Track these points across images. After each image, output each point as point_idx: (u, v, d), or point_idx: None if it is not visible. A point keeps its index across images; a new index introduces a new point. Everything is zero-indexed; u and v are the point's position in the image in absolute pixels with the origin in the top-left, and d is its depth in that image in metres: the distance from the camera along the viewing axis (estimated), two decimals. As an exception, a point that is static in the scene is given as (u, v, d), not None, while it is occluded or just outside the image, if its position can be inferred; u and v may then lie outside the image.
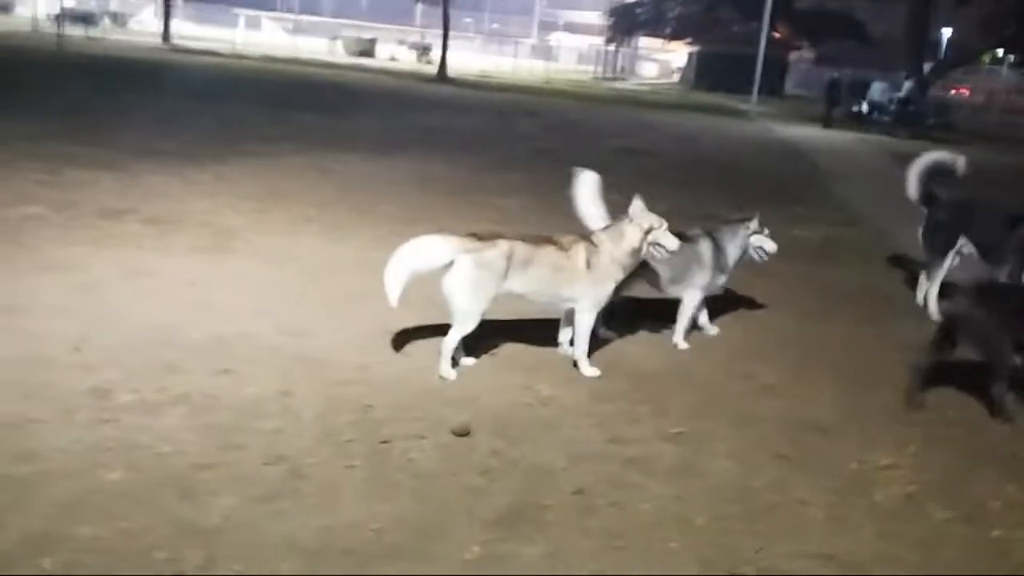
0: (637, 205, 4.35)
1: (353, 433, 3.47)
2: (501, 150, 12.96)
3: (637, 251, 4.36)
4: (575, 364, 4.40)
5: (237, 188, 8.11)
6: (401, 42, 49.47)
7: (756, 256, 5.26)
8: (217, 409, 3.55)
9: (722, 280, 5.20)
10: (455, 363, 4.22)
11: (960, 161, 6.27)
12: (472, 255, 4.02)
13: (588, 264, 4.27)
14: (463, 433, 3.59)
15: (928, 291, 6.14)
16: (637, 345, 4.89)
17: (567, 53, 62.02)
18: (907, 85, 25.51)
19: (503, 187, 9.50)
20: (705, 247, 5.00)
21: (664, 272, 4.86)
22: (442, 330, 4.23)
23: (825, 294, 6.49)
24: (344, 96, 20.12)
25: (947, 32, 47.42)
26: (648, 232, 4.36)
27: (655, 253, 4.44)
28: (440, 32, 33.88)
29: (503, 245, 4.11)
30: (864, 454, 3.81)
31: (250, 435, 3.37)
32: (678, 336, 5.01)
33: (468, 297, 4.05)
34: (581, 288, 4.30)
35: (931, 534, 3.22)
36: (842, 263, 7.58)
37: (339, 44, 46.99)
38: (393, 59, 45.04)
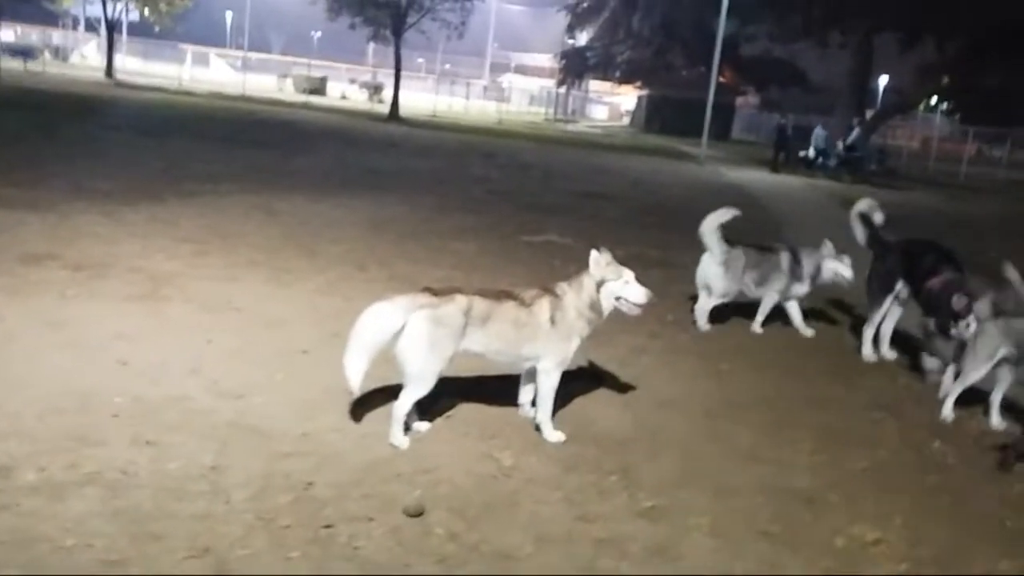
0: (594, 257, 4.05)
1: (291, 517, 3.07)
2: (456, 192, 12.66)
3: (597, 304, 4.04)
4: (537, 428, 4.05)
5: (175, 230, 7.65)
6: (352, 81, 49.32)
7: (833, 278, 6.29)
8: (134, 490, 3.11)
9: (801, 290, 6.35)
10: (407, 429, 3.84)
11: (875, 207, 6.36)
12: (427, 311, 3.67)
13: (552, 319, 3.94)
14: (416, 513, 3.20)
15: (865, 334, 6.05)
16: (603, 406, 4.55)
17: (519, 94, 62.47)
18: (854, 132, 25.94)
19: (459, 230, 9.17)
20: (784, 258, 6.27)
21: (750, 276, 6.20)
22: (395, 391, 3.85)
23: (789, 346, 6.24)
24: (293, 134, 19.72)
25: (884, 80, 48.83)
26: (601, 284, 4.04)
27: (622, 307, 4.13)
28: (392, 71, 33.73)
29: (460, 300, 3.77)
30: (850, 527, 3.52)
31: (171, 522, 2.93)
32: (756, 324, 6.39)
33: (423, 357, 3.68)
34: (545, 345, 3.96)
35: (932, 623, 2.93)
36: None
37: (289, 82, 46.63)
38: (344, 97, 44.82)
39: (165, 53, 48.59)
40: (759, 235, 10.83)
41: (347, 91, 47.03)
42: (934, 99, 46.68)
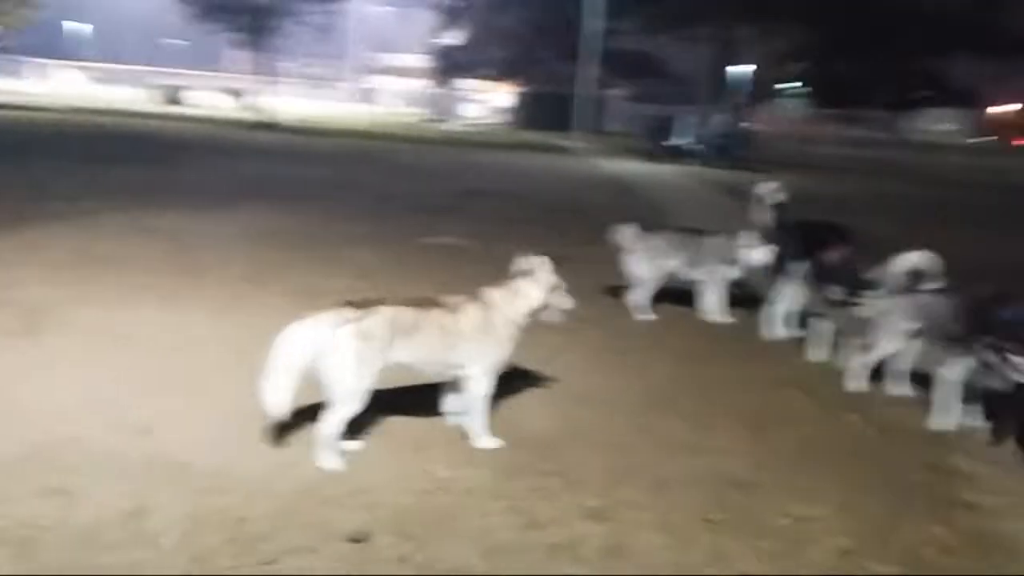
0: (536, 261, 3.99)
1: (229, 556, 2.86)
2: (342, 198, 12.34)
3: (536, 311, 3.99)
4: (466, 437, 3.94)
5: (46, 255, 7.11)
6: (217, 89, 47.59)
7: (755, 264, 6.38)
8: (48, 545, 2.83)
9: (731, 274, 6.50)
10: (338, 450, 3.66)
11: (772, 187, 6.58)
12: (352, 326, 3.50)
13: (482, 326, 3.85)
14: (361, 538, 3.05)
15: (768, 313, 6.25)
16: (530, 408, 4.47)
17: (389, 96, 61.76)
18: (720, 119, 26.87)
19: (354, 238, 8.91)
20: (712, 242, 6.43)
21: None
22: (314, 412, 3.67)
23: (697, 333, 6.35)
24: (160, 147, 18.82)
25: (750, 69, 50.89)
26: (540, 290, 4.00)
27: (547, 315, 4.08)
28: (256, 78, 32.76)
29: (385, 311, 3.62)
30: (789, 507, 3.58)
31: (97, 577, 2.69)
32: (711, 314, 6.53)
33: (351, 374, 3.51)
34: (475, 353, 3.85)
35: (882, 596, 3.00)
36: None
37: (148, 92, 44.61)
38: (207, 106, 43.20)
39: (9, 68, 45.69)
40: (646, 224, 11.00)
41: (211, 99, 45.39)
42: (790, 85, 48.94)
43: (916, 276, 4.99)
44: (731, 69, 38.58)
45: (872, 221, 8.74)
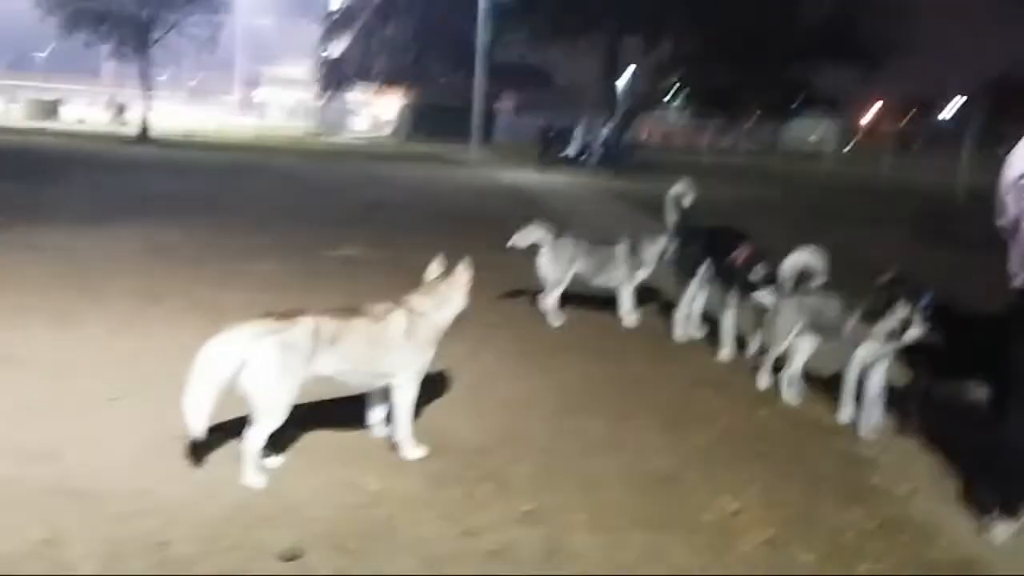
0: (463, 268, 3.99)
1: (158, 582, 2.73)
2: (235, 212, 11.98)
3: (460, 315, 3.98)
4: (394, 447, 3.89)
5: (-80, 278, 6.66)
6: (92, 102, 45.52)
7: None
8: (-42, 583, 2.64)
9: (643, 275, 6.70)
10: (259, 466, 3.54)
11: (686, 189, 6.63)
12: (274, 338, 3.40)
13: (407, 333, 3.80)
14: (293, 557, 2.96)
15: (676, 315, 6.38)
16: (452, 415, 4.44)
17: (274, 109, 60.50)
18: (604, 130, 27.42)
19: (250, 251, 8.67)
20: (621, 248, 6.64)
21: None
22: (235, 425, 3.55)
23: (606, 334, 6.44)
24: (35, 163, 17.84)
25: (634, 79, 52.19)
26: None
27: None
28: (134, 90, 31.53)
29: (307, 322, 3.53)
30: (713, 501, 3.66)
31: (15, 613, 2.52)
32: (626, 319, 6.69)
33: (274, 387, 3.41)
34: (401, 360, 3.80)
35: (811, 579, 3.11)
36: (606, 301, 7.57)
37: (17, 106, 42.33)
38: (81, 121, 41.28)
39: None
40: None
41: (86, 113, 43.40)
42: (672, 96, 50.42)
43: (805, 275, 5.09)
44: (617, 80, 39.45)
45: (758, 224, 9.02)
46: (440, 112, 45.85)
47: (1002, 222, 3.30)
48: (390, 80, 52.31)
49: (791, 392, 5.03)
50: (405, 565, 2.98)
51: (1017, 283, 3.18)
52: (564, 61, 41.81)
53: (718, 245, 6.02)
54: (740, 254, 5.75)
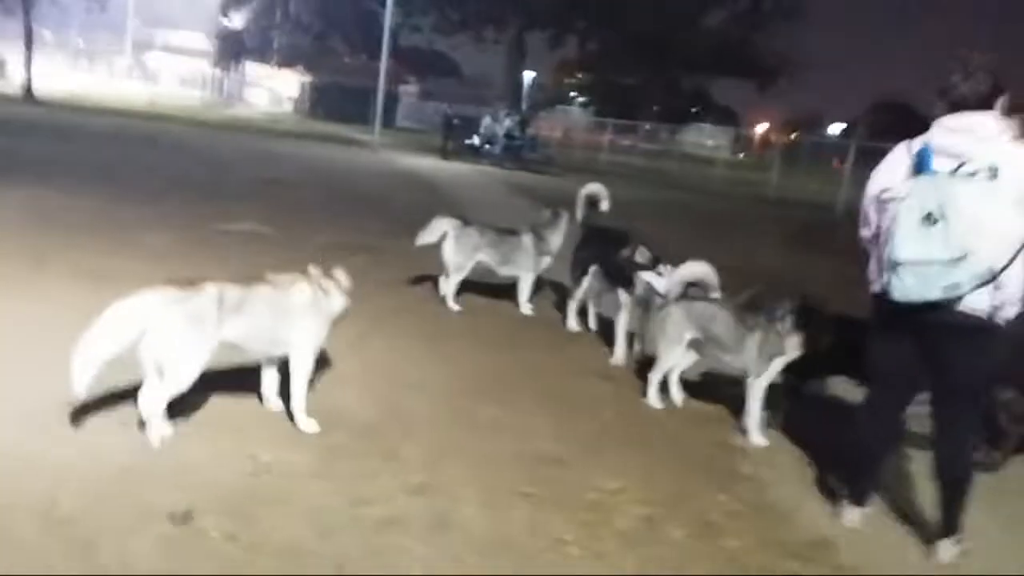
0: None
1: (44, 539, 2.72)
2: (128, 181, 11.57)
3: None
4: (291, 417, 3.94)
5: None
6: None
7: None
8: None
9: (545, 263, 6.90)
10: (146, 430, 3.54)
11: (604, 192, 6.76)
12: (180, 306, 3.41)
13: (312, 303, 3.87)
14: (184, 519, 2.99)
15: (569, 308, 6.57)
16: (346, 393, 4.49)
17: (168, 76, 58.30)
18: (508, 122, 27.60)
19: (144, 221, 8.43)
20: (527, 238, 6.80)
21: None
22: (127, 392, 3.54)
23: (502, 323, 6.59)
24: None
25: (538, 75, 52.81)
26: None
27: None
28: (14, 47, 29.86)
29: (211, 289, 3.55)
30: (595, 481, 3.86)
31: None
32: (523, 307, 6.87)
33: (179, 352, 3.42)
34: (303, 330, 3.86)
35: (678, 554, 3.34)
36: (501, 290, 7.70)
37: None
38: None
39: None
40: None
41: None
42: (575, 94, 51.31)
43: (694, 285, 5.09)
44: (523, 73, 39.83)
45: (653, 227, 9.37)
46: (343, 93, 45.20)
47: (865, 233, 3.59)
48: (291, 56, 51.28)
49: (655, 394, 5.04)
50: (297, 531, 3.05)
51: (875, 288, 3.48)
52: (471, 51, 41.92)
53: (611, 245, 6.14)
54: (632, 254, 5.89)
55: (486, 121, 27.62)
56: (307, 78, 51.29)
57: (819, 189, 25.05)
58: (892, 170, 3.38)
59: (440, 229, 6.64)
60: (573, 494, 3.71)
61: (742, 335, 4.65)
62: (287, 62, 52.77)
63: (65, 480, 3.13)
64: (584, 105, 62.38)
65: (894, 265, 3.17)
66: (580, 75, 49.09)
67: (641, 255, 5.73)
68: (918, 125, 3.49)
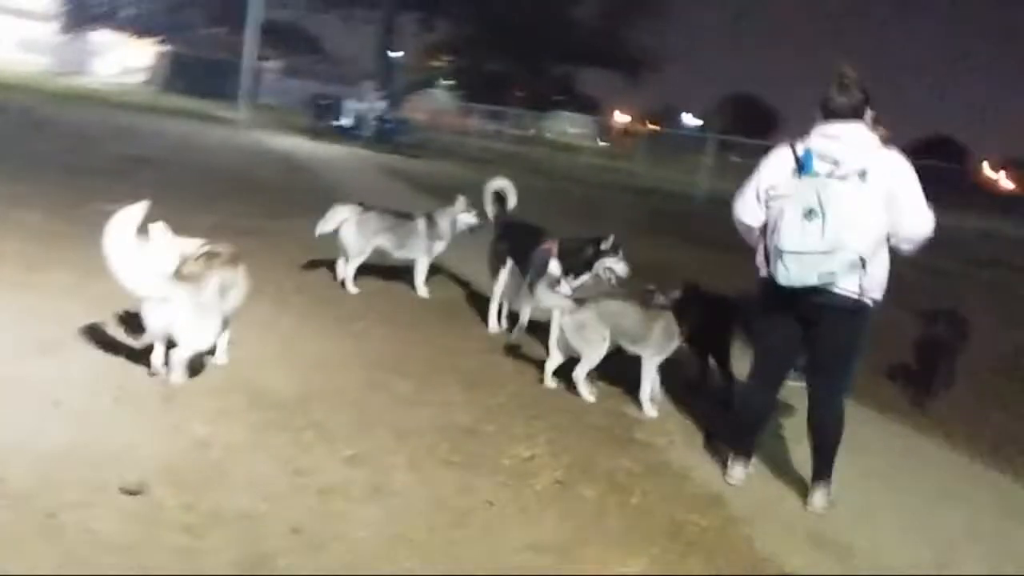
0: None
1: (5, 513, 2.80)
2: (-23, 155, 10.98)
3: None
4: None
5: None
6: None
7: (466, 229, 7.07)
8: None
9: (440, 247, 7.11)
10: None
11: (511, 188, 6.91)
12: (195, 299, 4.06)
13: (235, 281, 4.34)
14: (137, 491, 3.12)
15: (491, 307, 6.51)
16: (267, 371, 4.63)
17: (5, 40, 54.18)
18: (380, 104, 27.53)
19: (13, 200, 8.07)
20: (420, 222, 7.00)
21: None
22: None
23: (402, 305, 6.77)
24: None
25: (398, 55, 52.38)
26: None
27: None
28: None
29: (214, 279, 4.18)
30: (510, 449, 4.18)
31: None
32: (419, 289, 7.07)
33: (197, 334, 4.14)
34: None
35: (593, 509, 3.71)
36: (399, 273, 7.87)
37: None
38: None
39: None
40: (318, 198, 11.18)
41: None
42: (442, 77, 51.33)
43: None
44: (391, 55, 39.54)
45: (529, 215, 9.71)
46: (203, 66, 43.55)
47: (747, 220, 4.00)
48: (144, 26, 48.82)
49: (588, 389, 5.21)
50: (246, 500, 3.22)
51: (763, 273, 3.95)
52: (338, 29, 41.24)
53: (523, 239, 6.27)
54: (544, 249, 6.10)
55: (349, 103, 27.38)
56: (163, 49, 49.01)
57: (678, 179, 26.33)
58: (779, 168, 3.85)
59: (340, 216, 6.76)
60: (492, 461, 4.02)
61: (648, 325, 5.07)
62: (140, 31, 50.22)
63: (11, 458, 3.19)
64: (450, 89, 62.50)
65: (780, 254, 3.65)
66: (447, 59, 49.13)
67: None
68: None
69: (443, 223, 7.03)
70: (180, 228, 4.03)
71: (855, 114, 3.73)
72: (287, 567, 2.84)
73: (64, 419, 3.59)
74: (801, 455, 4.51)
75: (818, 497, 4.01)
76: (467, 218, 7.08)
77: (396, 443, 4.01)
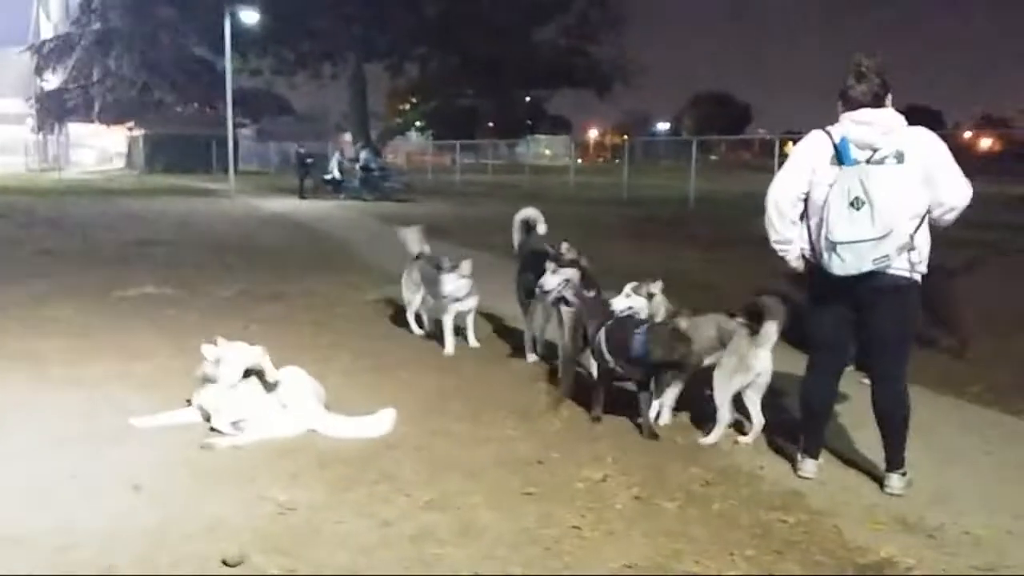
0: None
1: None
2: (-2, 257, 11.09)
3: None
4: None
5: None
6: None
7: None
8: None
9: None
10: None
11: (539, 216, 6.87)
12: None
13: None
14: (239, 561, 3.15)
15: (526, 340, 6.53)
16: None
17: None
18: (363, 154, 27.68)
19: (40, 296, 8.16)
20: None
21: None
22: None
23: (434, 347, 6.83)
24: None
25: (376, 105, 52.94)
26: None
27: None
28: None
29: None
30: (580, 473, 4.20)
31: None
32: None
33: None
34: None
35: (677, 522, 3.72)
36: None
37: None
38: None
39: None
40: (334, 256, 11.23)
41: None
42: (414, 118, 51.85)
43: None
44: (365, 106, 39.91)
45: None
46: (178, 143, 44.01)
47: (790, 211, 4.05)
48: (117, 112, 49.23)
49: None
50: (342, 556, 3.25)
51: (805, 259, 4.03)
52: (306, 88, 41.62)
53: (536, 265, 6.14)
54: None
55: (336, 156, 27.60)
56: (137, 132, 49.40)
57: (667, 184, 26.51)
58: (817, 154, 3.89)
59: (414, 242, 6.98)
60: (566, 487, 4.05)
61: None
62: (114, 118, 50.63)
63: (108, 546, 3.23)
64: (420, 130, 63.12)
65: (833, 246, 3.72)
66: (414, 100, 49.67)
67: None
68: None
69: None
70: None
71: (876, 101, 3.81)
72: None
73: (149, 501, 3.64)
74: (865, 441, 4.55)
75: (895, 480, 4.03)
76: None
77: (469, 483, 4.04)
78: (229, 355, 4.58)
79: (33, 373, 5.54)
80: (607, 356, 4.96)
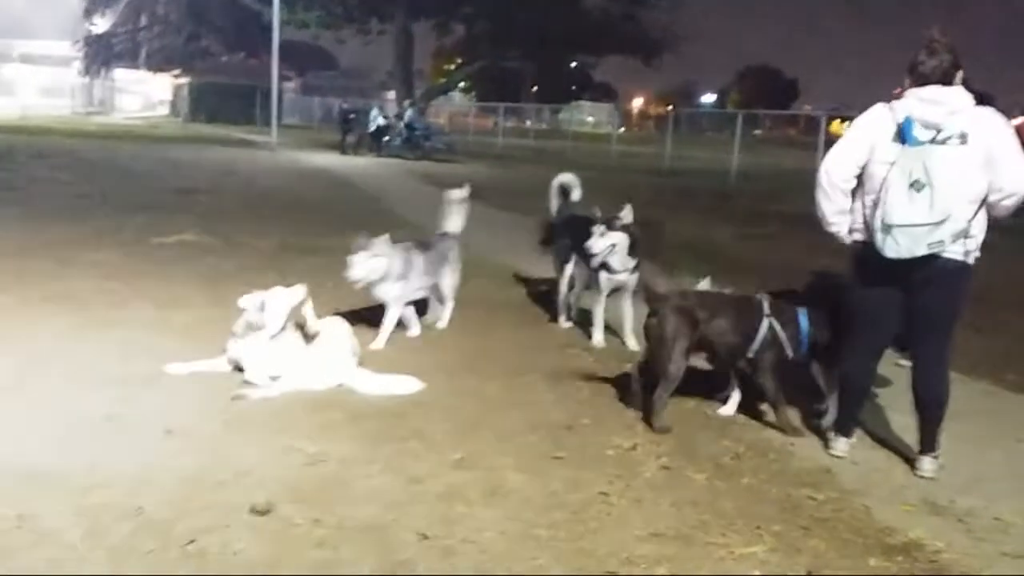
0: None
1: (148, 541, 2.88)
2: (35, 199, 11.24)
3: None
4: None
5: None
6: None
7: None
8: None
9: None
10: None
11: (575, 182, 6.86)
12: None
13: None
14: (266, 511, 3.18)
15: (558, 302, 6.50)
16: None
17: (27, 88, 55.22)
18: (408, 112, 27.59)
19: (76, 240, 8.26)
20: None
21: None
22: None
23: (467, 307, 6.78)
24: None
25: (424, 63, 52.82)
26: None
27: None
28: None
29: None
30: (611, 440, 4.19)
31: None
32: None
33: None
34: None
35: (705, 494, 3.69)
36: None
37: None
38: None
39: None
40: (372, 212, 11.23)
41: None
42: (460, 79, 51.51)
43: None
44: (412, 63, 39.69)
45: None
46: (224, 93, 44.12)
47: (843, 186, 3.94)
48: (163, 59, 49.56)
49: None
50: (370, 510, 3.27)
51: (858, 238, 3.93)
52: (352, 44, 41.44)
53: (585, 232, 5.92)
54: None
55: (377, 113, 27.53)
56: (182, 80, 49.68)
57: (709, 157, 26.12)
58: (878, 131, 3.77)
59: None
60: (596, 453, 4.04)
61: None
62: (159, 65, 50.99)
63: (140, 489, 3.27)
64: (465, 91, 62.75)
65: (888, 228, 3.62)
66: (459, 60, 49.31)
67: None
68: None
69: None
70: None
71: (945, 77, 3.68)
72: (426, 571, 2.88)
73: (181, 446, 3.68)
74: (898, 423, 4.49)
75: (927, 463, 3.96)
76: None
77: (500, 444, 4.04)
78: (273, 301, 4.58)
79: (73, 315, 5.62)
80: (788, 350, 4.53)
